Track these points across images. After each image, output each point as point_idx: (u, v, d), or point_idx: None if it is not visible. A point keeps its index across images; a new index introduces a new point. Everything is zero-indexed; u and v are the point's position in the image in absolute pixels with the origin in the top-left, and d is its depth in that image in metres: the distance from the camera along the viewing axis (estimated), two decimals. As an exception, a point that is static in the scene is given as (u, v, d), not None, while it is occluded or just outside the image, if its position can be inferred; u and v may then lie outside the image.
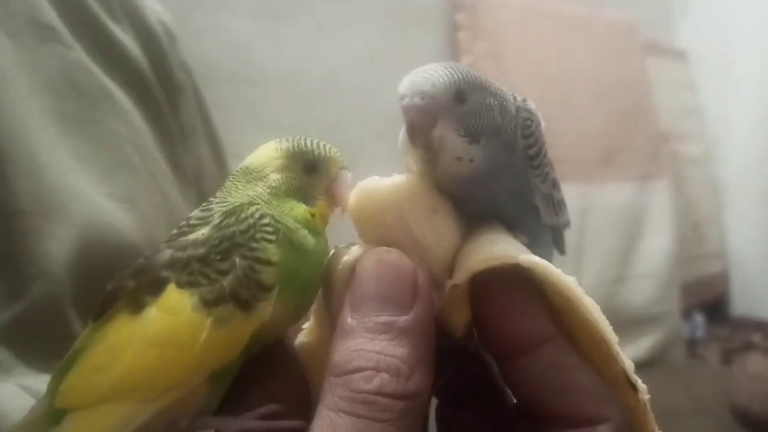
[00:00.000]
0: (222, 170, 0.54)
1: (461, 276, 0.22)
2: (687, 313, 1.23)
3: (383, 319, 0.21)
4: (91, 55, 0.43)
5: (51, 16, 0.42)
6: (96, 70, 0.43)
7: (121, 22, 0.46)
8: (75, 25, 0.43)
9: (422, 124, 0.22)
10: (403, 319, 0.21)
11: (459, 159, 0.22)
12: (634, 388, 0.22)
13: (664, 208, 1.26)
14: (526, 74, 1.18)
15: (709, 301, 1.36)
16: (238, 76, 0.87)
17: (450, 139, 0.22)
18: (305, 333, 0.26)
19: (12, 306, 0.35)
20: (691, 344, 1.20)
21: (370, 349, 0.20)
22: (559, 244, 0.28)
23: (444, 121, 0.22)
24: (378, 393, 0.19)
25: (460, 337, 0.23)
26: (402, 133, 0.23)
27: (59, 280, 0.36)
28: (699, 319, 1.27)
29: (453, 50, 1.13)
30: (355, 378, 0.20)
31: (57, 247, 0.36)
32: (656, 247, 1.20)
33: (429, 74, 0.22)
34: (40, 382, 0.34)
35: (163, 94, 0.48)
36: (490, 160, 0.23)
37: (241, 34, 0.89)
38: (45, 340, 0.35)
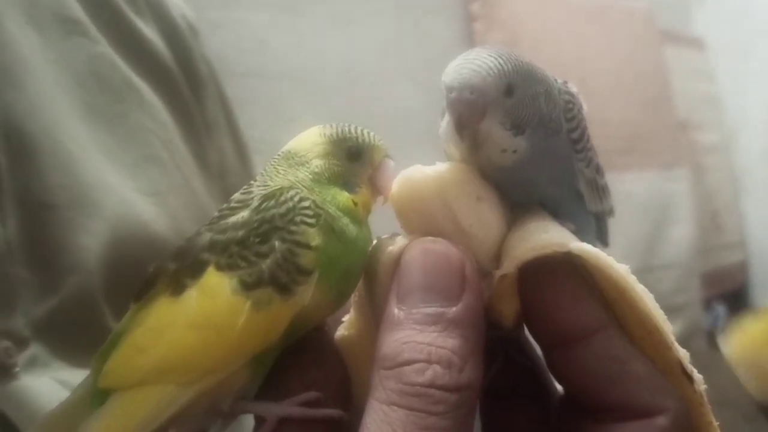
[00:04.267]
0: (244, 164, 0.53)
1: (511, 265, 0.21)
2: (707, 304, 1.22)
3: (432, 310, 0.20)
4: (116, 49, 0.43)
5: (76, 10, 0.42)
6: (121, 64, 0.43)
7: (144, 17, 0.46)
8: (100, 19, 0.43)
9: (470, 119, 0.21)
10: (452, 310, 0.20)
11: (504, 151, 0.22)
12: (689, 378, 0.21)
13: (684, 197, 1.24)
14: (543, 64, 1.16)
15: (729, 292, 1.34)
16: (254, 69, 0.87)
17: (496, 132, 0.22)
18: (345, 326, 0.25)
19: (47, 300, 0.35)
20: (712, 335, 1.19)
21: (420, 341, 0.20)
22: (602, 233, 0.27)
23: (491, 114, 0.22)
24: (431, 385, 0.19)
25: (510, 327, 0.22)
26: (446, 122, 0.22)
27: (93, 274, 0.36)
28: (720, 309, 1.26)
29: (468, 41, 1.12)
30: (407, 370, 0.19)
31: (90, 240, 0.36)
32: (678, 237, 1.19)
33: (478, 66, 0.21)
34: (76, 376, 0.34)
35: (188, 87, 0.48)
36: (534, 148, 0.22)
37: (258, 27, 0.89)
38: (79, 334, 0.35)
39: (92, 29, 0.43)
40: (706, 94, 1.46)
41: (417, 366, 0.19)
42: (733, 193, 1.42)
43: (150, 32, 0.46)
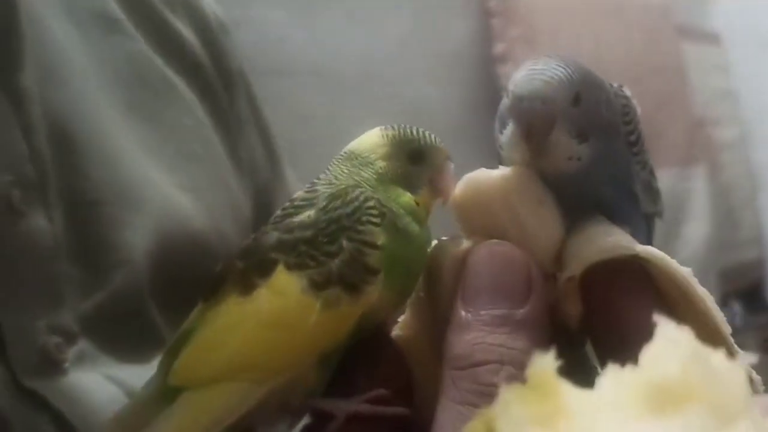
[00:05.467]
0: (273, 162, 0.54)
1: (577, 267, 0.22)
2: (723, 301, 1.21)
3: (500, 312, 0.20)
4: (152, 46, 0.44)
5: (114, 8, 0.42)
6: (159, 61, 0.44)
7: (179, 15, 0.47)
8: (137, 17, 0.44)
9: (540, 129, 0.22)
10: (520, 312, 0.20)
11: (569, 158, 0.22)
12: (749, 379, 0.21)
13: (701, 193, 1.24)
14: (560, 60, 1.16)
15: (745, 289, 1.34)
16: (272, 67, 0.87)
17: (563, 141, 0.22)
18: (400, 326, 0.26)
19: (94, 295, 0.35)
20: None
21: (491, 342, 0.20)
22: (649, 234, 0.28)
23: (559, 123, 0.22)
24: None
25: (574, 329, 0.23)
26: (509, 130, 0.22)
27: (138, 269, 0.36)
28: (736, 307, 1.26)
29: (486, 37, 1.12)
30: (482, 371, 0.20)
31: (135, 236, 0.37)
32: (694, 234, 1.19)
33: (549, 76, 0.22)
34: (123, 371, 0.35)
35: (221, 85, 0.48)
36: (596, 154, 0.22)
37: (276, 25, 0.89)
38: (125, 329, 0.36)
39: (130, 27, 0.43)
40: (723, 90, 1.45)
41: (491, 366, 0.20)
42: (750, 189, 1.41)
43: (185, 30, 0.47)
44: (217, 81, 0.48)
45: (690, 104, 1.33)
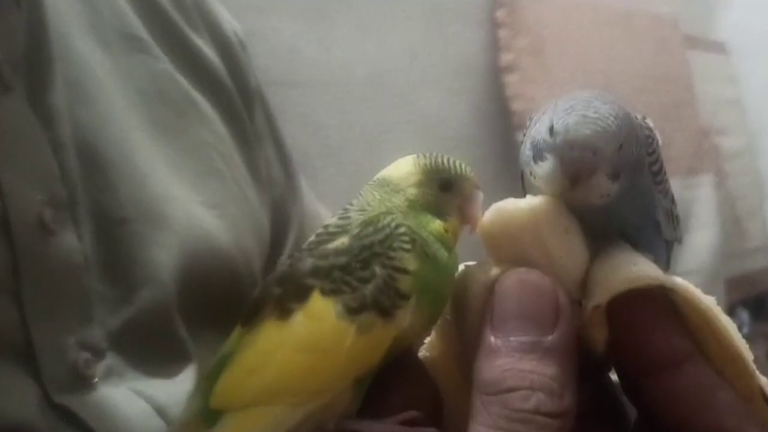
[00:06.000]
0: (288, 175, 0.54)
1: (603, 296, 0.22)
2: (731, 310, 1.22)
3: (529, 338, 0.21)
4: (176, 65, 0.45)
5: (138, 27, 0.43)
6: (181, 79, 0.44)
7: (200, 32, 0.47)
8: (160, 36, 0.44)
9: (585, 175, 0.22)
10: (548, 339, 0.21)
11: (601, 196, 0.23)
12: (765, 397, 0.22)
13: (708, 203, 1.25)
14: (568, 70, 1.17)
15: (751, 298, 1.35)
16: (283, 78, 0.88)
17: (600, 182, 0.23)
18: (426, 347, 0.26)
19: (122, 312, 0.36)
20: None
21: (521, 368, 0.21)
22: (669, 260, 0.28)
23: (601, 168, 0.23)
24: (536, 412, 0.20)
25: (600, 354, 0.23)
26: (550, 166, 0.23)
27: (166, 286, 0.37)
28: (744, 315, 1.26)
29: (494, 47, 1.13)
30: (512, 397, 0.20)
31: (162, 253, 0.37)
32: (701, 243, 1.20)
33: (602, 128, 0.22)
34: (151, 386, 0.35)
35: (241, 101, 0.49)
36: (623, 188, 0.23)
37: (287, 36, 0.90)
38: (153, 344, 0.36)
39: (153, 46, 0.44)
40: (730, 99, 1.46)
41: (521, 393, 0.20)
42: (757, 198, 1.42)
43: (206, 48, 0.47)
44: (236, 98, 0.49)
45: (697, 113, 1.34)
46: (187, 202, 0.41)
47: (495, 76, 1.11)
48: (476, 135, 1.09)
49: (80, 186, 0.37)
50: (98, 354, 0.35)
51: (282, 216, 0.51)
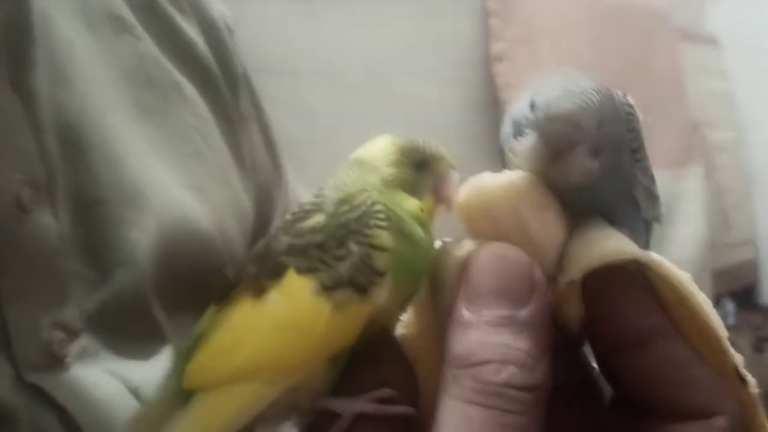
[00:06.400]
0: (274, 160, 0.54)
1: (578, 271, 0.22)
2: (717, 302, 1.23)
3: (503, 312, 0.21)
4: (161, 47, 0.44)
5: (123, 8, 0.43)
6: (165, 62, 0.44)
7: (187, 15, 0.47)
8: (145, 18, 0.44)
9: (567, 150, 0.22)
10: (522, 313, 0.21)
11: (581, 173, 0.23)
12: (744, 381, 0.22)
13: (695, 195, 1.25)
14: (558, 61, 1.17)
15: (738, 290, 1.36)
16: (274, 66, 0.87)
17: (580, 160, 0.23)
18: (404, 325, 0.26)
19: (98, 293, 0.36)
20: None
21: (493, 342, 0.21)
22: (648, 239, 0.28)
23: (581, 144, 0.22)
24: (508, 385, 0.20)
25: (574, 330, 0.23)
26: (530, 141, 0.23)
27: (142, 268, 0.36)
28: (730, 306, 1.27)
29: (485, 37, 1.12)
30: (484, 370, 0.20)
31: (140, 235, 0.37)
32: (688, 235, 1.20)
33: (585, 102, 0.22)
34: (126, 367, 0.35)
35: (226, 85, 0.49)
36: (603, 166, 0.23)
37: (278, 24, 0.89)
38: (129, 326, 0.36)
39: (138, 27, 0.43)
40: (720, 93, 1.46)
41: (492, 366, 0.20)
42: (745, 191, 1.43)
43: (191, 30, 0.47)
44: (221, 82, 0.49)
45: (686, 106, 1.34)
46: (168, 184, 0.40)
47: (486, 65, 1.11)
48: (467, 124, 1.08)
49: (59, 167, 0.36)
50: (73, 334, 0.34)
51: (266, 201, 0.51)
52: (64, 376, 0.33)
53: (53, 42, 0.38)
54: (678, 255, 1.16)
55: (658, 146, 1.20)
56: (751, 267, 1.40)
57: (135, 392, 0.34)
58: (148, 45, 0.44)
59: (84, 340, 0.35)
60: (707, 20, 1.50)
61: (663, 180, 1.19)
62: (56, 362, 0.33)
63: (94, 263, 0.36)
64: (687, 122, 1.32)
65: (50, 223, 0.34)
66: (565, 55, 1.17)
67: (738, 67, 1.46)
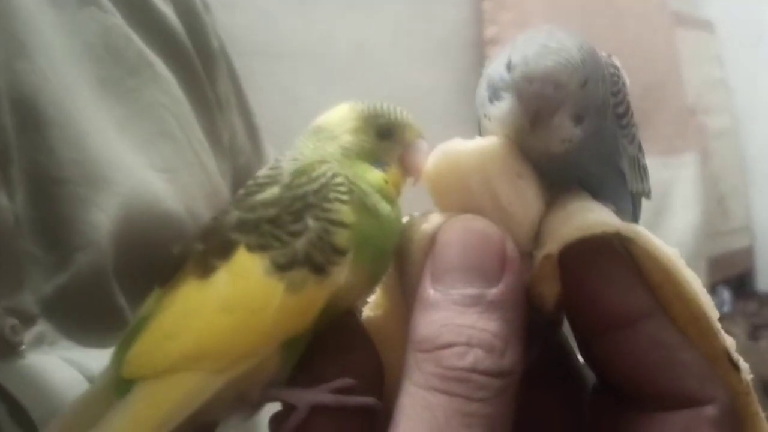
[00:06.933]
0: (255, 143, 0.52)
1: (554, 245, 0.20)
2: (712, 289, 1.21)
3: (471, 291, 0.19)
4: (129, 21, 0.42)
5: None
6: (135, 37, 0.42)
7: None
8: None
9: (546, 113, 0.20)
10: (492, 291, 0.19)
11: (563, 141, 0.21)
12: (736, 367, 0.20)
13: (691, 182, 1.24)
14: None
15: (734, 277, 1.34)
16: (263, 49, 0.86)
17: (563, 124, 0.21)
18: (371, 307, 0.24)
19: (56, 277, 0.33)
20: (718, 320, 1.19)
21: (459, 323, 0.19)
22: (635, 214, 0.26)
23: (564, 107, 0.20)
24: (473, 370, 0.18)
25: (550, 310, 0.21)
26: (507, 104, 0.20)
27: (103, 251, 0.34)
28: (725, 294, 1.26)
29: (477, 21, 1.11)
30: (447, 354, 0.18)
31: (102, 216, 0.35)
32: (683, 222, 1.19)
33: (564, 59, 0.20)
34: (84, 355, 0.33)
35: (200, 63, 0.46)
36: (586, 134, 0.21)
37: (268, 6, 0.88)
38: (88, 312, 0.34)
39: (106, 0, 0.41)
40: (716, 79, 1.44)
41: (457, 349, 0.18)
42: (740, 178, 1.41)
43: (164, 6, 0.45)
44: (196, 60, 0.46)
45: (682, 92, 1.32)
46: (133, 164, 0.38)
47: (478, 50, 1.09)
48: (459, 109, 1.06)
49: (15, 143, 0.34)
50: (28, 320, 0.32)
51: (246, 182, 0.49)
52: (18, 365, 0.31)
53: (10, 11, 0.36)
54: (673, 241, 1.15)
55: (653, 132, 1.19)
56: (746, 254, 1.39)
57: (93, 381, 0.32)
58: (116, 19, 0.41)
59: (40, 327, 0.33)
60: (703, 5, 1.48)
61: (658, 167, 1.18)
62: (9, 350, 0.31)
63: (53, 246, 0.34)
64: (682, 108, 1.30)
65: (4, 202, 0.32)
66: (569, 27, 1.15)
67: (734, 53, 1.44)
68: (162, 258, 0.37)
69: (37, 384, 0.31)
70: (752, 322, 1.19)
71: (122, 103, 0.40)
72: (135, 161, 0.39)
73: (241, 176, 0.49)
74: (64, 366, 0.32)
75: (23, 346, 0.31)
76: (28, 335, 0.32)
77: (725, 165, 1.39)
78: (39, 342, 0.32)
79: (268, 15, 0.87)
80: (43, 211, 0.34)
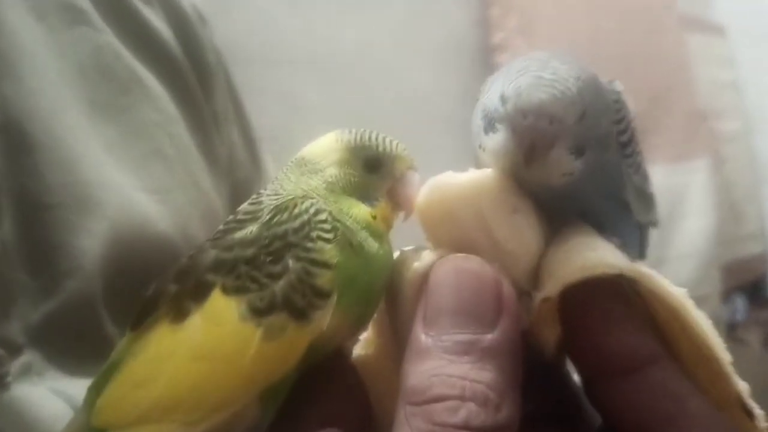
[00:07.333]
0: (254, 157, 0.51)
1: (554, 286, 0.19)
2: (726, 296, 1.19)
3: (464, 337, 0.18)
4: (121, 38, 0.41)
5: None
6: (127, 54, 0.41)
7: (152, 5, 0.44)
8: (105, 7, 0.41)
9: (542, 148, 0.19)
10: (487, 338, 0.18)
11: (563, 174, 0.20)
12: (749, 414, 0.19)
13: (703, 188, 1.22)
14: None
15: (748, 284, 1.32)
16: (263, 55, 0.85)
17: (562, 159, 0.19)
18: (363, 345, 0.23)
19: (43, 305, 0.33)
20: (732, 328, 1.16)
21: (451, 374, 0.17)
22: (642, 245, 0.25)
23: (561, 141, 0.19)
24: (465, 427, 0.17)
25: (551, 354, 0.20)
26: (502, 138, 0.19)
27: (92, 277, 0.34)
28: (739, 301, 1.23)
29: (483, 26, 1.10)
30: (438, 408, 0.17)
31: (90, 242, 0.34)
32: (696, 228, 1.17)
33: (558, 90, 0.19)
34: (73, 386, 0.32)
35: (196, 79, 0.46)
36: (588, 166, 0.20)
37: (267, 12, 0.87)
38: (76, 341, 0.33)
39: (96, 18, 0.40)
40: (726, 82, 1.42)
41: (449, 404, 0.17)
42: (754, 182, 1.39)
43: (157, 21, 0.44)
44: (192, 75, 0.46)
45: (693, 96, 1.30)
46: (124, 187, 0.37)
47: (483, 55, 1.08)
48: (465, 115, 1.05)
49: (2, 169, 0.33)
50: (14, 350, 0.31)
51: (246, 199, 0.48)
52: (4, 397, 0.30)
53: (0, 33, 0.35)
54: (685, 248, 1.13)
55: (663, 138, 1.17)
56: (761, 260, 1.36)
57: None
58: (107, 37, 0.41)
59: (27, 357, 0.32)
60: (713, 8, 1.45)
61: (669, 173, 1.16)
62: None
63: (41, 272, 0.33)
64: (693, 113, 1.28)
65: None
66: (565, 44, 1.13)
67: (745, 56, 1.42)
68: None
69: (23, 415, 0.30)
70: (767, 330, 1.16)
71: (113, 123, 0.39)
72: (125, 183, 0.38)
73: (240, 191, 0.48)
74: (52, 397, 0.31)
75: (9, 378, 0.30)
76: (15, 365, 0.31)
77: (738, 170, 1.36)
78: (26, 372, 0.31)
79: (269, 20, 0.86)
80: (31, 237, 0.33)
